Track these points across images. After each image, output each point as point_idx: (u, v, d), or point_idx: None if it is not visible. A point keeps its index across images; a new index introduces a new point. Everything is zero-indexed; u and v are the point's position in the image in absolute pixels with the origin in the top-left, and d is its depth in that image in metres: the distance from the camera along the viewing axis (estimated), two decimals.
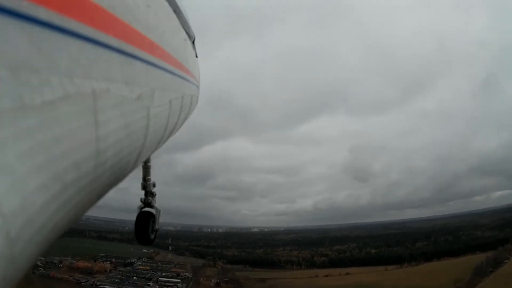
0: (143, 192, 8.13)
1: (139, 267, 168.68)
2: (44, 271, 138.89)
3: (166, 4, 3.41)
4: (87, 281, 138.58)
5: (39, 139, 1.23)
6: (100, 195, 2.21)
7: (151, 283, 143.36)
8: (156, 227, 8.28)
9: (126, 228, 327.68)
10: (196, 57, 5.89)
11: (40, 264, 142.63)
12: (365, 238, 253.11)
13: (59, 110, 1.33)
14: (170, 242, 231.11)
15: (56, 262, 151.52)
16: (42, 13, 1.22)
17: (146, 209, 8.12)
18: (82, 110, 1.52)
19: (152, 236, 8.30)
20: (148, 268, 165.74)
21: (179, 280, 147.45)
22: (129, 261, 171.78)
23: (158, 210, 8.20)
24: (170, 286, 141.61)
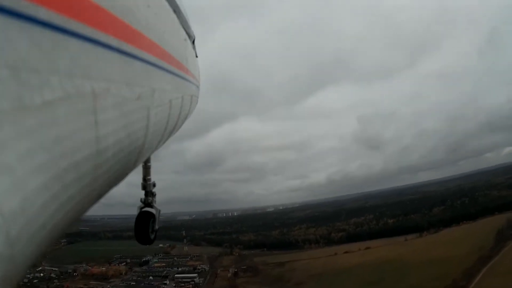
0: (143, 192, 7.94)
1: (155, 264, 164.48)
2: (58, 283, 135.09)
3: (166, 4, 3.40)
4: (102, 287, 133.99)
5: (39, 139, 1.22)
6: (100, 195, 2.19)
7: (167, 281, 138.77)
8: (156, 227, 8.10)
9: None
10: (196, 57, 5.77)
11: (54, 276, 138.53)
12: (381, 207, 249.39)
13: (59, 110, 1.32)
14: (184, 234, 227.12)
15: (71, 271, 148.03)
16: (42, 13, 1.21)
17: (146, 209, 7.88)
18: (82, 110, 1.52)
19: (152, 236, 8.11)
20: (164, 265, 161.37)
21: (195, 275, 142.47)
22: (144, 259, 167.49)
23: (158, 210, 8.02)
24: (187, 282, 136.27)
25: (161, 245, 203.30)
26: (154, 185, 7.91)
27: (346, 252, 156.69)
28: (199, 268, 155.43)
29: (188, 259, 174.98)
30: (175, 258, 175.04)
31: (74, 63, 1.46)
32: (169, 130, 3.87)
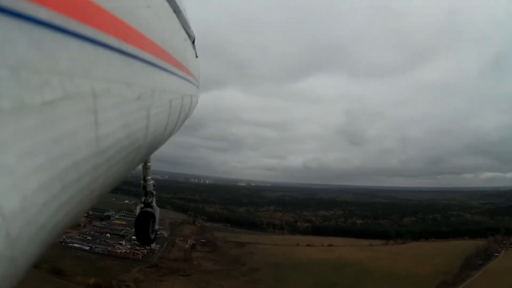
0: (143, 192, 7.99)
1: (116, 221, 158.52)
2: None
3: (166, 4, 3.36)
4: None
5: (39, 139, 1.22)
6: (101, 195, 2.18)
7: (123, 242, 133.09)
8: (156, 227, 8.13)
9: None
10: (196, 57, 5.73)
11: None
12: (351, 204, 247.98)
13: (59, 110, 1.32)
14: None
15: None
16: (42, 13, 1.21)
17: (146, 209, 7.91)
18: (82, 110, 1.52)
19: (153, 236, 8.14)
20: (124, 223, 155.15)
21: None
22: (106, 214, 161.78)
23: (157, 210, 8.04)
24: (143, 246, 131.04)
25: (126, 201, 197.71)
26: (154, 185, 7.86)
27: (308, 245, 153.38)
28: (158, 233, 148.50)
29: None
30: None
31: (74, 63, 1.46)
32: (169, 130, 3.86)
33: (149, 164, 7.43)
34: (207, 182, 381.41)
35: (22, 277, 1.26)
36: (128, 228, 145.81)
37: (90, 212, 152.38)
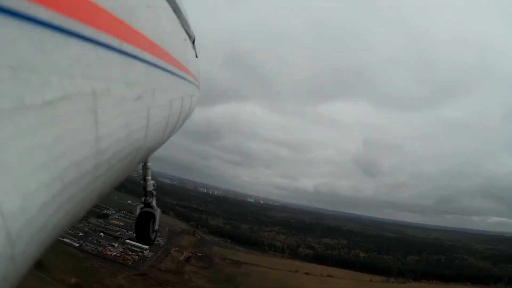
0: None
1: (113, 221, 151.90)
2: None
3: (166, 4, 3.36)
4: None
5: (39, 139, 1.22)
6: (101, 195, 2.16)
7: (116, 244, 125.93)
8: (156, 227, 8.09)
9: None
10: (196, 57, 5.68)
11: None
12: (357, 235, 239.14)
13: (59, 110, 1.31)
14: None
15: None
16: (42, 13, 1.20)
17: (146, 209, 7.89)
18: (82, 110, 1.51)
19: (153, 236, 8.12)
20: (122, 224, 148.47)
21: (147, 247, 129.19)
22: (105, 212, 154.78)
23: (157, 210, 7.98)
24: (135, 251, 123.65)
25: (129, 201, 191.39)
26: (154, 185, 7.81)
27: (306, 273, 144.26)
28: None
29: None
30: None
31: (74, 63, 1.45)
32: (169, 130, 3.81)
33: (149, 164, 7.35)
34: (215, 193, 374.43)
35: (22, 277, 1.26)
36: (125, 230, 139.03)
37: None
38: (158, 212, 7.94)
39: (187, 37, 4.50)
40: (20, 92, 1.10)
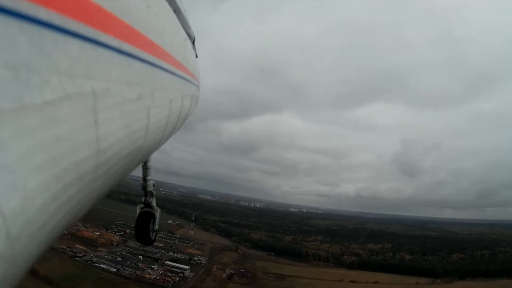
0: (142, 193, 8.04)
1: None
2: None
3: (166, 4, 3.35)
4: (84, 255, 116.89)
5: (39, 139, 1.21)
6: (101, 195, 2.17)
7: (155, 266, 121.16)
8: (156, 227, 8.07)
9: (162, 192, 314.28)
10: (196, 57, 5.67)
11: None
12: (401, 237, 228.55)
13: (59, 110, 1.31)
14: (195, 217, 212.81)
15: None
16: (42, 13, 1.19)
17: (146, 209, 7.87)
18: (82, 110, 1.50)
19: (153, 237, 8.09)
20: (161, 245, 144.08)
21: (187, 267, 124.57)
22: None
23: (157, 210, 7.99)
24: (175, 272, 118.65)
25: (170, 221, 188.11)
26: (154, 185, 7.80)
27: (352, 282, 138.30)
28: (196, 259, 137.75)
29: (189, 245, 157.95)
30: (176, 241, 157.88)
31: (74, 63, 1.44)
32: (169, 130, 3.83)
33: (149, 164, 7.23)
34: (257, 205, 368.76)
35: (22, 277, 1.24)
36: (164, 251, 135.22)
37: (127, 231, 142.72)
38: (158, 212, 7.88)
39: (187, 37, 4.42)
40: (20, 92, 1.09)
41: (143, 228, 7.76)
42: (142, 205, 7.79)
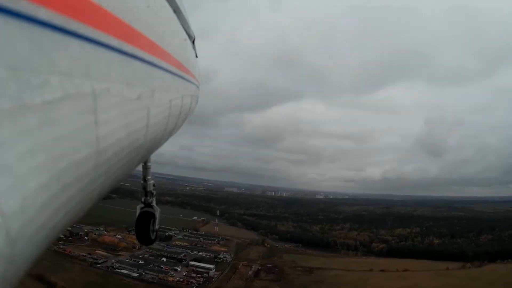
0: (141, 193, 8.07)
1: (177, 242, 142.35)
2: (62, 245, 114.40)
3: (166, 4, 3.33)
4: (105, 261, 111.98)
5: (39, 139, 1.20)
6: (101, 195, 2.14)
7: (179, 268, 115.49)
8: (157, 227, 8.07)
9: (188, 188, 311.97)
10: (196, 57, 5.62)
11: (62, 236, 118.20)
12: (428, 220, 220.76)
13: (59, 110, 1.30)
14: (220, 212, 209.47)
15: (83, 234, 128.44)
16: (42, 13, 1.18)
17: (146, 209, 7.83)
18: (82, 110, 1.49)
19: (153, 236, 8.07)
20: (186, 244, 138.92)
21: (212, 266, 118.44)
22: (168, 234, 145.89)
23: (157, 210, 7.94)
24: (200, 272, 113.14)
25: (195, 217, 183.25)
26: (154, 185, 7.76)
27: (382, 271, 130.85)
28: (221, 257, 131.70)
29: (215, 242, 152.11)
30: (201, 239, 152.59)
31: (74, 63, 1.43)
32: (169, 130, 3.80)
33: (149, 164, 7.19)
34: (284, 195, 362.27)
35: (22, 277, 1.24)
36: (189, 251, 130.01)
37: None
38: (158, 212, 7.86)
39: (187, 37, 4.42)
40: (20, 92, 1.09)
41: (143, 228, 7.67)
42: (142, 205, 7.67)
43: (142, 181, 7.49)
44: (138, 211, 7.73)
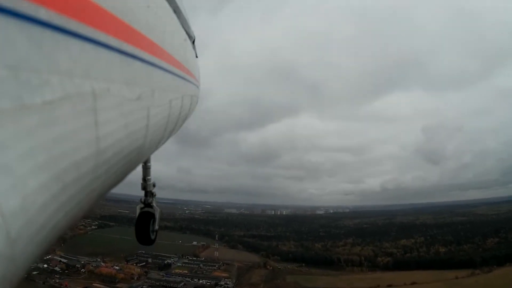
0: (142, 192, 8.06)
1: (176, 270, 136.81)
2: (59, 279, 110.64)
3: (166, 4, 3.36)
4: None
5: (39, 139, 1.19)
6: (101, 195, 2.12)
7: None
8: (156, 227, 8.01)
9: (187, 211, 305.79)
10: (196, 57, 5.71)
11: (58, 269, 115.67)
12: (432, 228, 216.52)
13: (59, 110, 1.29)
14: (219, 235, 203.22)
15: (79, 266, 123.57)
16: (42, 13, 1.18)
17: (146, 209, 7.84)
18: (82, 110, 1.49)
19: (153, 236, 8.05)
20: (186, 272, 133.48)
21: None
22: (167, 262, 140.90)
23: (157, 210, 7.94)
24: None
25: (195, 242, 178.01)
26: (154, 185, 7.73)
27: (389, 286, 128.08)
28: (222, 284, 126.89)
29: (215, 267, 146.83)
30: (201, 265, 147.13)
31: (74, 63, 1.43)
32: (169, 130, 3.79)
33: (149, 164, 7.24)
34: (284, 212, 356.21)
35: (22, 276, 1.24)
36: (189, 279, 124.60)
37: (149, 260, 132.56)
38: (158, 212, 7.82)
39: (187, 37, 4.44)
40: (20, 92, 1.08)
41: (143, 228, 7.59)
42: (142, 205, 7.63)
43: (142, 181, 7.36)
44: (138, 211, 7.63)
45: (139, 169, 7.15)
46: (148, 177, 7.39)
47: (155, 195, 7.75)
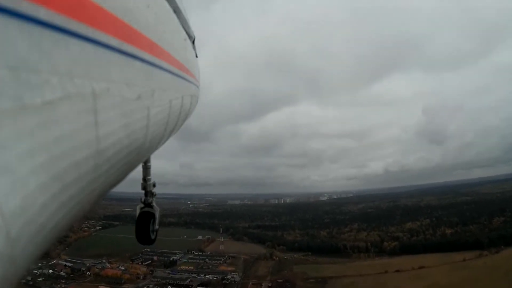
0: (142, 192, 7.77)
1: (182, 266, 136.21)
2: (64, 284, 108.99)
3: (166, 4, 3.32)
4: None
5: (39, 139, 1.19)
6: (100, 195, 2.11)
7: None
8: (156, 227, 7.77)
9: (191, 205, 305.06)
10: (196, 57, 5.53)
11: (63, 274, 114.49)
12: (437, 209, 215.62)
13: (59, 110, 1.30)
14: (223, 228, 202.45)
15: (84, 269, 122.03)
16: (42, 13, 1.17)
17: (146, 209, 7.56)
18: (82, 110, 1.49)
19: (153, 236, 7.81)
20: (192, 268, 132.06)
21: None
22: (172, 258, 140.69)
23: (157, 210, 7.64)
24: None
25: (200, 236, 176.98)
26: (154, 185, 7.47)
27: (397, 271, 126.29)
28: (229, 278, 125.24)
29: (221, 261, 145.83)
30: (207, 260, 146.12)
31: (74, 63, 1.42)
32: (169, 130, 3.74)
33: (149, 164, 6.99)
34: (287, 201, 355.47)
35: (22, 276, 1.24)
36: (195, 275, 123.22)
37: (155, 258, 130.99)
38: (158, 212, 7.56)
39: (187, 37, 4.38)
40: (20, 92, 1.08)
41: (143, 228, 7.39)
42: (142, 205, 7.40)
43: (142, 181, 7.13)
44: (138, 211, 7.39)
45: (141, 167, 6.93)
46: (148, 177, 7.09)
47: (155, 195, 7.45)
